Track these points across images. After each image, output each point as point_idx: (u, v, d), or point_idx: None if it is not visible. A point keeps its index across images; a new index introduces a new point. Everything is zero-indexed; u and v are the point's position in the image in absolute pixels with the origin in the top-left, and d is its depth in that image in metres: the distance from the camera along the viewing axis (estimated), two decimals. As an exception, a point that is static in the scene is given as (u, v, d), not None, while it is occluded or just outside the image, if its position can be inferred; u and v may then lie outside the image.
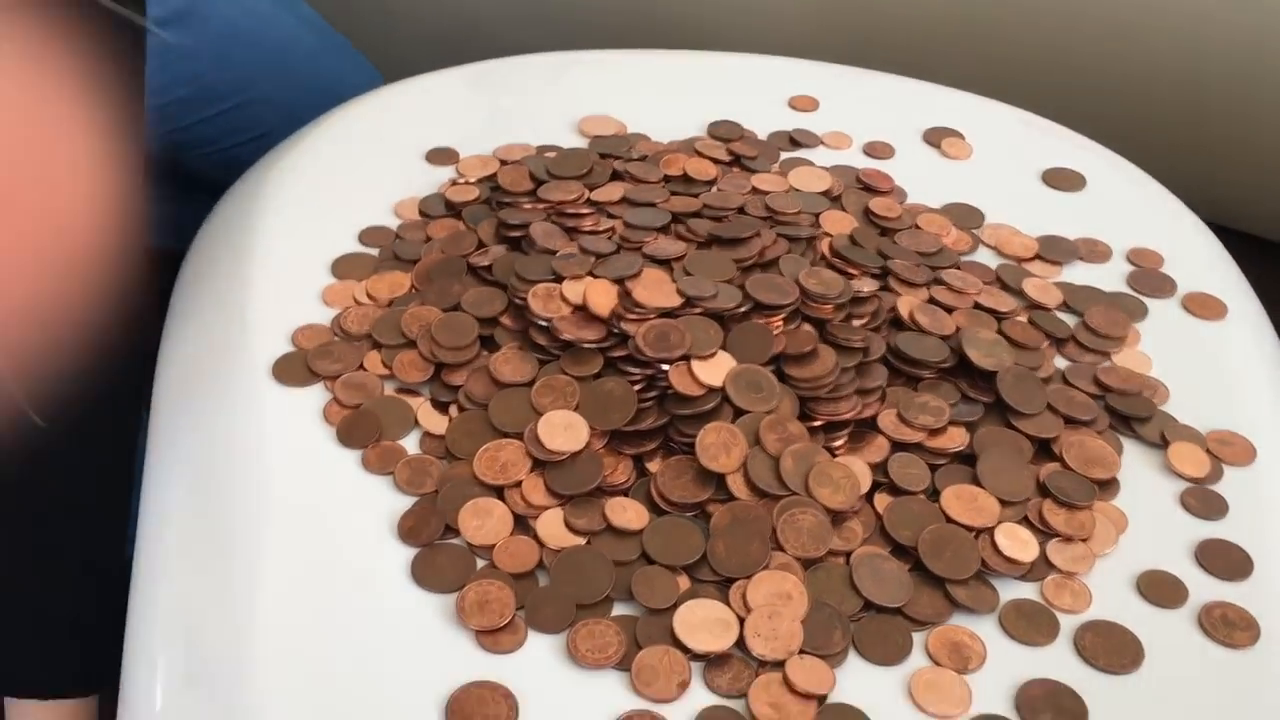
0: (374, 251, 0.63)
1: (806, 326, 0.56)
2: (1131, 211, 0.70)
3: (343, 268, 0.62)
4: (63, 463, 0.58)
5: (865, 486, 0.51)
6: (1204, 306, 0.63)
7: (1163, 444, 0.55)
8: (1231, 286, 0.66)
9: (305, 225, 0.65)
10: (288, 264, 0.63)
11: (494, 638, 0.46)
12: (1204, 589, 0.49)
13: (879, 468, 0.52)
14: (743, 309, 0.56)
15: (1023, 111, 0.78)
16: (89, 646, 0.63)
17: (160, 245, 0.66)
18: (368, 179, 0.69)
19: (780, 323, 0.56)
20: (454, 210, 0.66)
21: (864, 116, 0.76)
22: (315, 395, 0.55)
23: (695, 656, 0.45)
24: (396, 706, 0.43)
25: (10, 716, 0.66)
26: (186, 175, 0.89)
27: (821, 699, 0.44)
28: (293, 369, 0.56)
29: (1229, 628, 0.48)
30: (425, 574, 0.48)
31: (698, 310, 0.56)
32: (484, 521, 0.49)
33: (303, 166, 0.70)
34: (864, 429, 0.54)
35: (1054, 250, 0.66)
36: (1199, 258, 0.67)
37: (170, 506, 0.53)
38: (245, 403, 0.55)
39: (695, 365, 0.53)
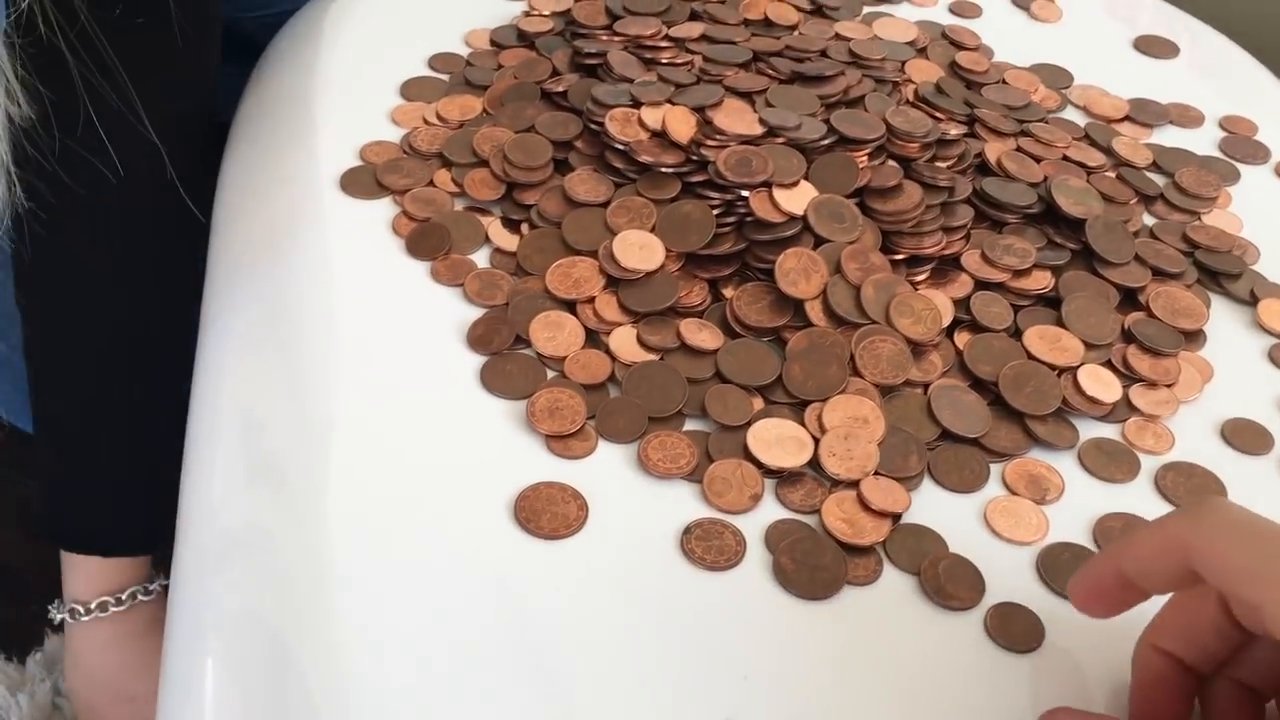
0: (445, 77, 0.62)
1: (892, 163, 0.54)
2: (1224, 81, 0.68)
3: (413, 90, 0.61)
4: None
5: (947, 319, 0.49)
6: (1299, 174, 0.61)
7: (1252, 301, 0.53)
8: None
9: (373, 50, 0.64)
10: (355, 86, 0.61)
11: (564, 443, 0.45)
12: (1292, 439, 0.48)
13: (961, 304, 0.51)
14: (827, 141, 0.54)
15: (1115, -20, 0.76)
16: (150, 503, 0.62)
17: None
18: (438, 8, 0.67)
19: (865, 157, 0.54)
20: (527, 40, 0.64)
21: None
22: (384, 208, 0.54)
23: (768, 473, 0.45)
24: (465, 503, 0.43)
25: (66, 568, 0.66)
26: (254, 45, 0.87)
27: (896, 518, 0.43)
28: (361, 182, 0.55)
29: (1317, 476, 0.46)
30: (495, 380, 0.47)
31: (780, 140, 0.54)
32: (555, 334, 0.48)
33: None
34: (947, 267, 0.52)
35: (1144, 112, 0.64)
36: (1293, 127, 0.65)
37: (236, 307, 0.52)
38: (312, 212, 0.54)
39: (777, 192, 0.52)
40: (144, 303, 0.62)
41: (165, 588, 0.62)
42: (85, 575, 0.64)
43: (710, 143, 0.54)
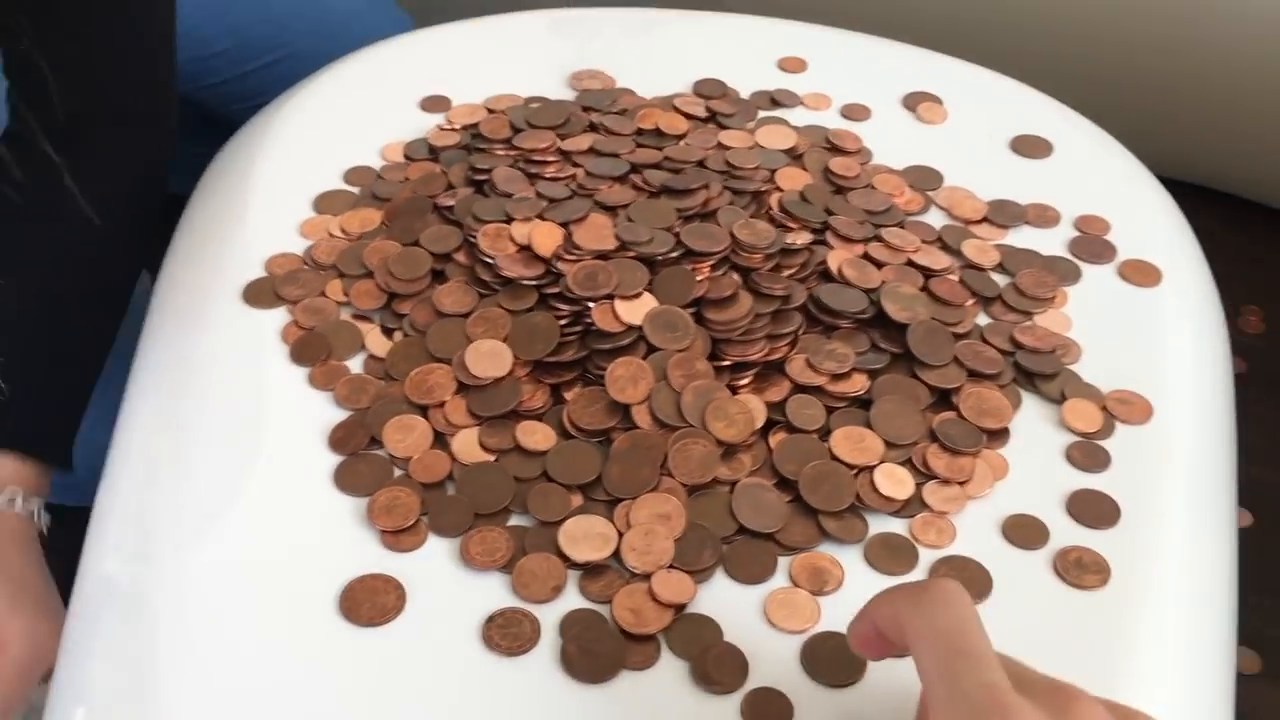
0: (356, 190, 0.69)
1: (732, 274, 0.60)
2: (1091, 179, 0.72)
3: (323, 204, 0.68)
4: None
5: (759, 422, 0.55)
6: (1139, 273, 0.65)
7: (1060, 400, 0.58)
8: (1178, 255, 0.67)
9: (298, 165, 0.71)
10: (275, 199, 0.68)
11: (396, 537, 0.51)
12: (1067, 535, 0.52)
13: (777, 407, 0.56)
14: (674, 254, 0.60)
15: (1007, 79, 0.80)
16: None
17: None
18: (364, 124, 0.74)
19: (708, 269, 0.60)
20: (434, 154, 0.71)
21: (849, 79, 0.78)
22: (279, 316, 0.61)
23: (574, 565, 0.50)
24: (300, 590, 0.49)
25: None
26: (229, 125, 0.95)
27: (679, 608, 0.49)
28: (261, 293, 0.62)
29: (1080, 570, 0.51)
30: (346, 479, 0.53)
31: (631, 254, 0.60)
32: (406, 436, 0.55)
33: (306, 109, 0.76)
34: (771, 371, 0.57)
35: (1002, 214, 0.68)
36: (1149, 227, 0.69)
37: (142, 406, 0.59)
38: (216, 321, 0.61)
39: (618, 304, 0.57)
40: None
41: (33, 515, 0.62)
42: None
43: (568, 257, 0.60)
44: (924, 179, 0.71)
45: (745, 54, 0.81)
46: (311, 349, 0.59)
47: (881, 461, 0.54)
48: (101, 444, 0.58)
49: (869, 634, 0.40)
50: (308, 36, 0.97)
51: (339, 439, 0.55)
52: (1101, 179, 0.72)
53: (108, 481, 0.56)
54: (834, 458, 0.54)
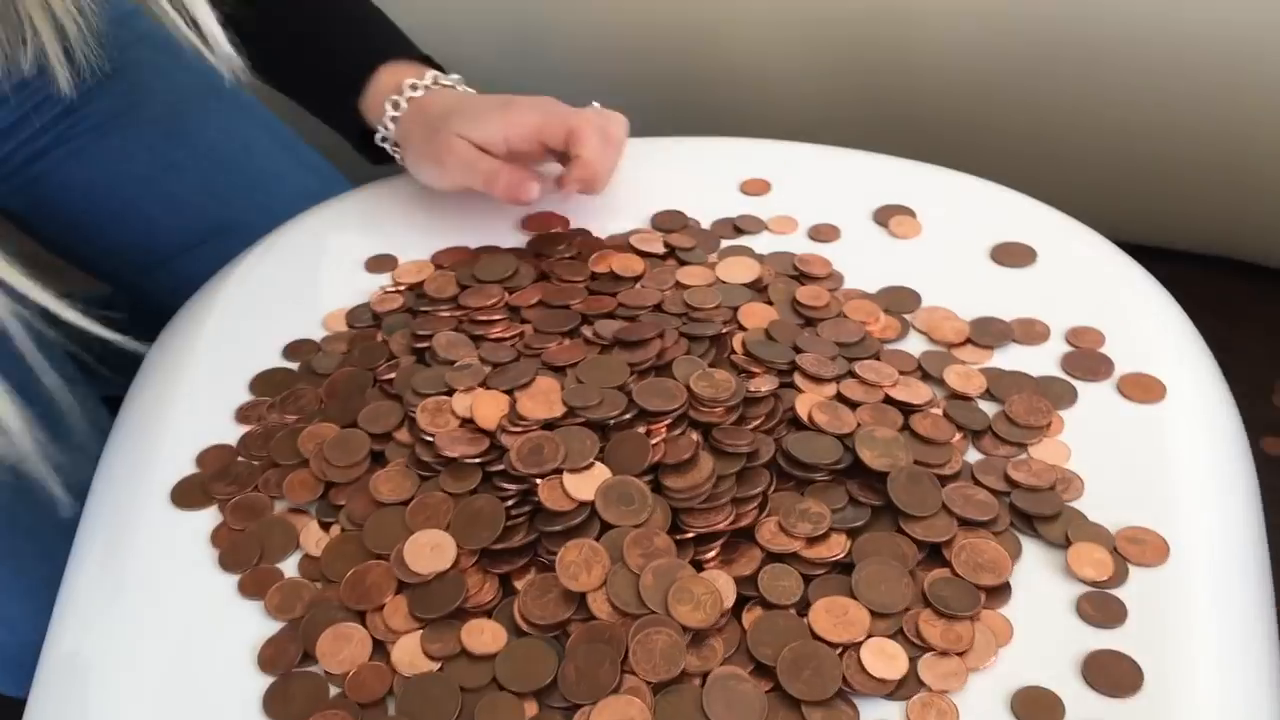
0: (295, 366, 0.65)
1: (691, 433, 0.55)
2: (1081, 285, 0.67)
3: (260, 385, 0.63)
4: None
5: (729, 601, 0.49)
6: (1140, 388, 0.60)
7: (1065, 544, 0.52)
8: (1183, 363, 0.62)
9: (236, 343, 0.67)
10: (209, 382, 0.64)
11: (332, 771, 0.46)
12: (1084, 707, 0.46)
13: (749, 581, 0.50)
14: (626, 416, 0.55)
15: (983, 181, 0.76)
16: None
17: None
18: (307, 291, 0.70)
19: (664, 429, 0.55)
20: (377, 320, 0.66)
21: (816, 197, 0.74)
22: (211, 517, 0.56)
23: (528, 789, 0.45)
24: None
25: (371, 94, 0.74)
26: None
27: (646, 839, 0.43)
28: (190, 493, 0.58)
29: (1104, 752, 0.45)
30: (274, 705, 0.48)
31: (580, 420, 0.55)
32: (342, 648, 0.50)
33: (246, 282, 0.72)
34: (739, 540, 0.52)
35: (986, 334, 0.63)
36: (1148, 334, 0.64)
37: (71, 628, 0.54)
38: (145, 527, 0.57)
39: (567, 478, 0.53)
40: None
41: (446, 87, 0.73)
42: (391, 79, 0.73)
43: (512, 429, 0.55)
44: (900, 301, 0.66)
45: (707, 178, 0.77)
46: (242, 553, 0.54)
47: (869, 636, 0.48)
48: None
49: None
50: (252, 209, 0.95)
51: (269, 657, 0.50)
52: (1092, 284, 0.67)
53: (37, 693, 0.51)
54: (815, 636, 0.48)
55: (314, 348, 0.66)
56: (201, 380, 0.65)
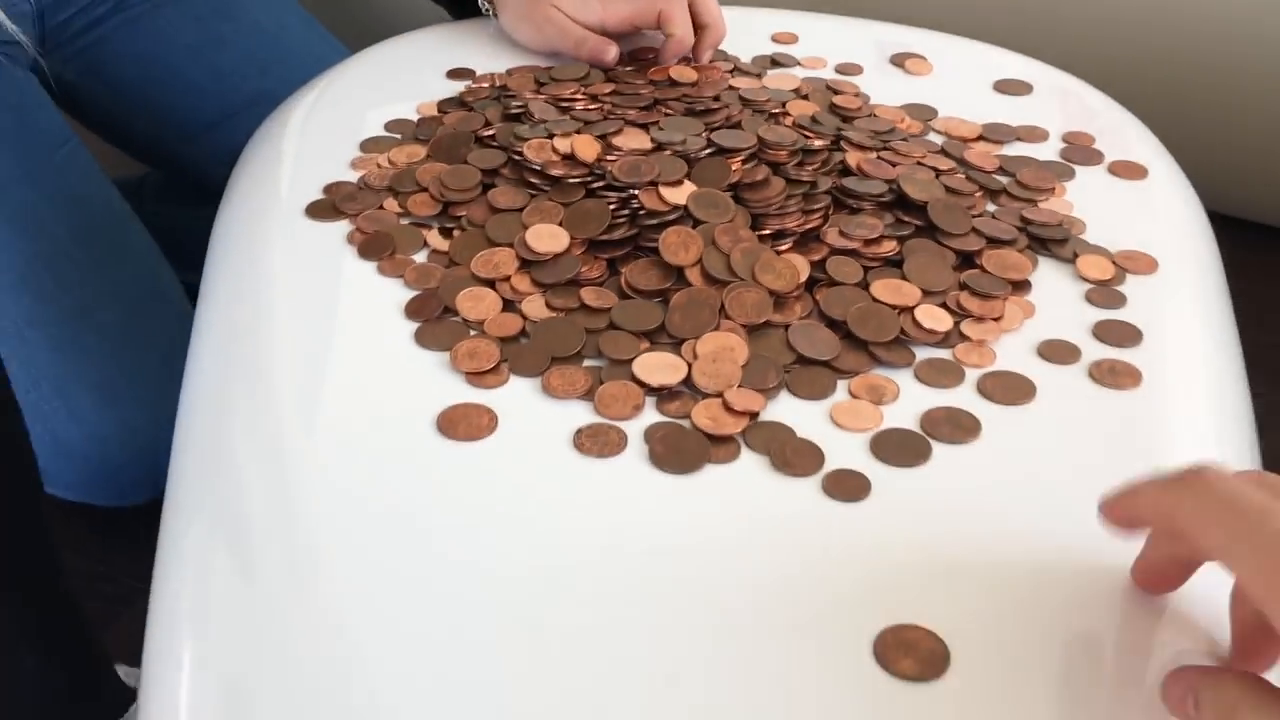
0: (398, 135, 0.73)
1: (763, 165, 0.65)
2: (1070, 109, 0.78)
3: (369, 145, 0.72)
4: None
5: (804, 275, 0.59)
6: (1127, 170, 0.72)
7: (1073, 259, 0.63)
8: (1157, 160, 0.74)
9: (342, 120, 0.76)
10: (324, 145, 0.73)
11: (480, 378, 0.54)
12: (1097, 353, 0.57)
13: (818, 266, 0.60)
14: (707, 152, 0.65)
15: (981, 43, 0.87)
16: None
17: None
18: (397, 90, 0.79)
19: (739, 163, 0.65)
20: (467, 105, 0.76)
21: (838, 46, 0.85)
22: (341, 228, 0.65)
23: (650, 390, 0.54)
24: (398, 417, 0.52)
25: None
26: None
27: (754, 416, 0.52)
28: (322, 209, 0.66)
29: (1115, 375, 0.55)
30: (426, 337, 0.57)
31: (668, 153, 0.65)
32: (477, 304, 0.58)
33: (340, 84, 0.81)
34: (808, 240, 0.62)
35: (996, 132, 0.75)
36: (1129, 140, 0.75)
37: (216, 307, 0.62)
38: (281, 234, 0.65)
39: (662, 189, 0.62)
40: None
41: None
42: None
43: (610, 158, 0.64)
44: (920, 111, 0.77)
45: (739, 34, 0.87)
46: (377, 246, 0.63)
47: (920, 303, 0.58)
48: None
49: (1124, 520, 0.41)
50: (289, 80, 1.04)
51: (415, 309, 0.58)
52: (1079, 108, 0.79)
53: (194, 382, 0.59)
54: (876, 300, 0.58)
55: (412, 125, 0.74)
56: (317, 142, 0.73)
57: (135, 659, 0.90)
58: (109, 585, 0.97)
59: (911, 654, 0.42)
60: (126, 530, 0.98)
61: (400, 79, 0.81)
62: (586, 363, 0.56)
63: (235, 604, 0.48)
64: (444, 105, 0.76)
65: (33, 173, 0.91)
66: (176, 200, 1.17)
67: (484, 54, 0.83)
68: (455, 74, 0.81)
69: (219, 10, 1.12)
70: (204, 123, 1.11)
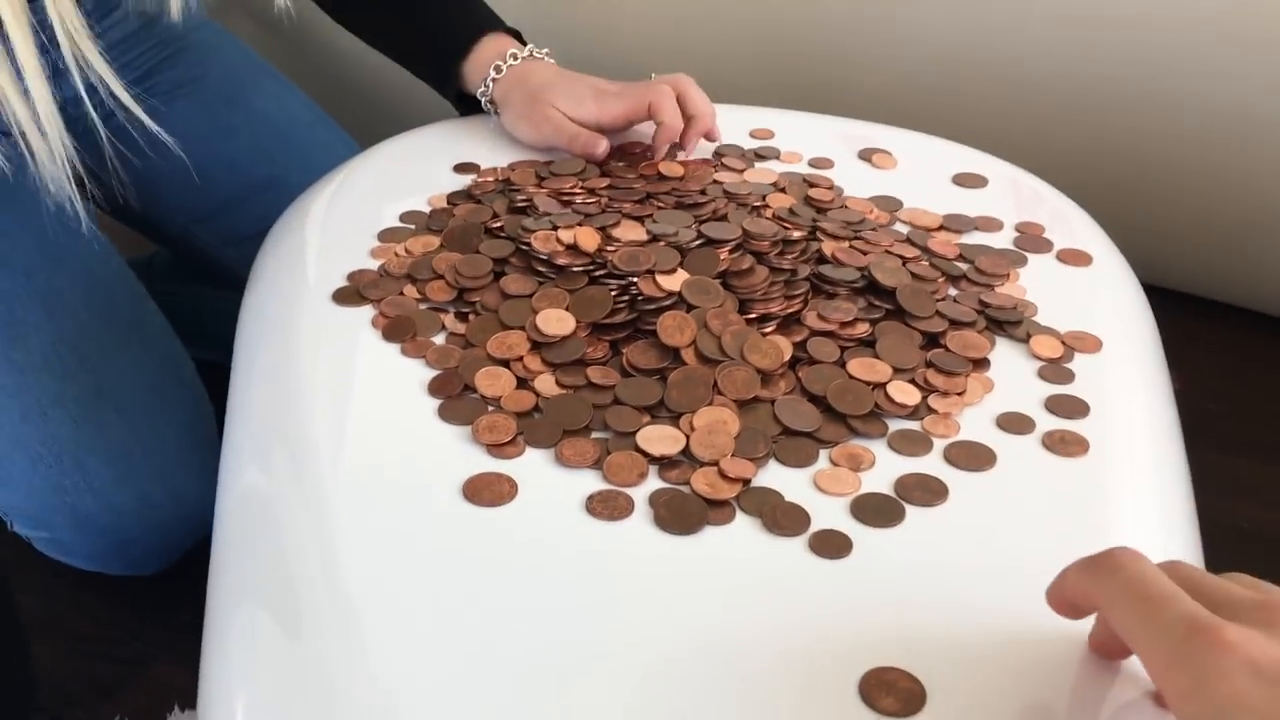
0: (411, 226, 0.80)
1: (748, 255, 0.72)
2: (1022, 200, 0.86)
3: (387, 235, 0.79)
4: None
5: (787, 355, 0.66)
6: (1074, 257, 0.79)
7: (1026, 339, 0.70)
8: (1101, 248, 0.81)
9: (359, 211, 0.82)
10: (344, 234, 0.79)
11: (500, 449, 0.61)
12: (1049, 424, 0.64)
13: (799, 346, 0.67)
14: (697, 243, 0.72)
15: (940, 139, 0.95)
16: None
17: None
18: (409, 184, 0.86)
19: (726, 253, 0.72)
20: (474, 198, 0.83)
21: (810, 142, 0.93)
22: (365, 313, 0.71)
23: (653, 460, 0.60)
24: (428, 488, 0.58)
25: (470, 69, 0.94)
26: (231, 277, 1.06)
27: (746, 482, 0.59)
28: (348, 295, 0.72)
29: (1065, 444, 0.62)
30: (448, 413, 0.63)
31: (662, 244, 0.72)
32: (494, 381, 0.65)
33: (353, 181, 0.88)
34: (789, 324, 0.69)
35: (956, 222, 0.82)
36: (1075, 229, 0.83)
37: (252, 383, 0.68)
38: (310, 318, 0.71)
39: (659, 277, 0.69)
40: None
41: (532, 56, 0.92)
42: (494, 47, 0.92)
43: (610, 249, 0.71)
44: (887, 203, 0.84)
45: (722, 128, 0.95)
46: (400, 329, 0.69)
47: (892, 379, 0.65)
48: None
49: (1063, 606, 0.46)
50: (297, 168, 1.10)
51: (437, 387, 0.65)
52: (1031, 199, 0.87)
53: (231, 439, 0.65)
54: (852, 378, 0.65)
55: (424, 216, 0.81)
56: (338, 233, 0.80)
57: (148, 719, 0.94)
58: (121, 649, 1.02)
59: (892, 693, 0.48)
60: (136, 596, 1.03)
61: (410, 172, 0.88)
62: (595, 435, 0.62)
63: (284, 661, 0.53)
64: (453, 198, 0.83)
65: (58, 256, 0.97)
66: (185, 279, 1.23)
67: (487, 147, 0.91)
68: (462, 168, 0.88)
69: (230, 100, 1.19)
70: (214, 207, 1.17)
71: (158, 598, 1.04)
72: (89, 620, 1.03)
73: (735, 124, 0.95)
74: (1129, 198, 1.27)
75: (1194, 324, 1.38)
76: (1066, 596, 0.46)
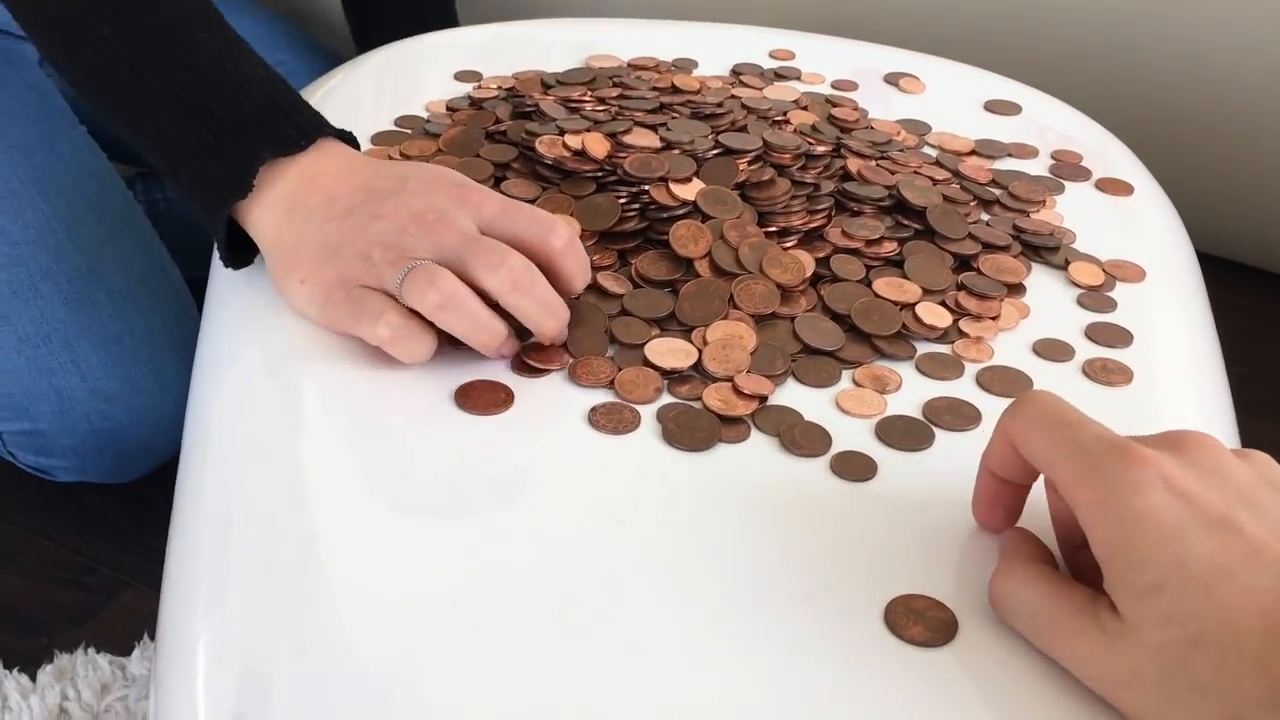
0: (408, 131, 0.75)
1: (768, 166, 0.67)
2: (1057, 128, 0.81)
3: (380, 139, 0.74)
4: None
5: (809, 270, 0.61)
6: (1113, 186, 0.74)
7: (1065, 265, 0.65)
8: (1141, 178, 0.76)
9: (352, 117, 0.77)
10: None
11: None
12: (1090, 352, 0.59)
13: (822, 263, 0.62)
14: (714, 152, 0.67)
15: (970, 66, 0.90)
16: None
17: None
18: (405, 90, 0.81)
19: (745, 164, 0.67)
20: (476, 105, 0.77)
21: (834, 64, 0.87)
22: (355, 215, 0.66)
23: (662, 374, 0.55)
24: (418, 396, 0.53)
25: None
26: None
27: (763, 400, 0.54)
28: (338, 195, 0.67)
29: (1107, 373, 0.57)
30: (442, 317, 0.58)
31: (676, 152, 0.67)
32: (492, 287, 0.60)
33: (349, 82, 0.83)
34: (812, 239, 0.64)
35: (988, 147, 0.77)
36: (1114, 159, 0.78)
37: (233, 286, 0.63)
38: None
39: (673, 185, 0.64)
40: None
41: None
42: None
43: (620, 155, 0.66)
44: (915, 127, 0.79)
45: (740, 49, 0.89)
46: (392, 231, 0.64)
47: (921, 300, 0.60)
48: None
49: (989, 488, 0.46)
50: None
51: (430, 291, 0.60)
52: (1066, 128, 0.82)
53: (205, 345, 0.60)
54: (878, 297, 0.60)
55: (421, 122, 0.76)
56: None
57: (118, 648, 0.90)
58: (90, 576, 0.97)
59: (920, 621, 0.44)
60: (107, 522, 0.99)
61: (407, 79, 0.83)
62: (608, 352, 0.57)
63: (252, 590, 0.47)
64: (453, 104, 0.78)
65: (53, 143, 0.93)
66: (165, 193, 1.18)
67: (490, 57, 0.85)
68: (463, 76, 0.83)
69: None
70: None
71: (130, 524, 0.99)
72: (58, 546, 0.98)
73: (754, 44, 0.90)
74: (1170, 143, 1.22)
75: (1212, 286, 1.33)
76: (993, 449, 0.45)
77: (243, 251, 0.61)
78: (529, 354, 0.56)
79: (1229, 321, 1.25)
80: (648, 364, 0.56)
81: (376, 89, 0.82)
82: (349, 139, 0.64)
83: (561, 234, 0.56)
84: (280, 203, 0.58)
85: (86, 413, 0.87)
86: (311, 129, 0.61)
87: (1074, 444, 0.40)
